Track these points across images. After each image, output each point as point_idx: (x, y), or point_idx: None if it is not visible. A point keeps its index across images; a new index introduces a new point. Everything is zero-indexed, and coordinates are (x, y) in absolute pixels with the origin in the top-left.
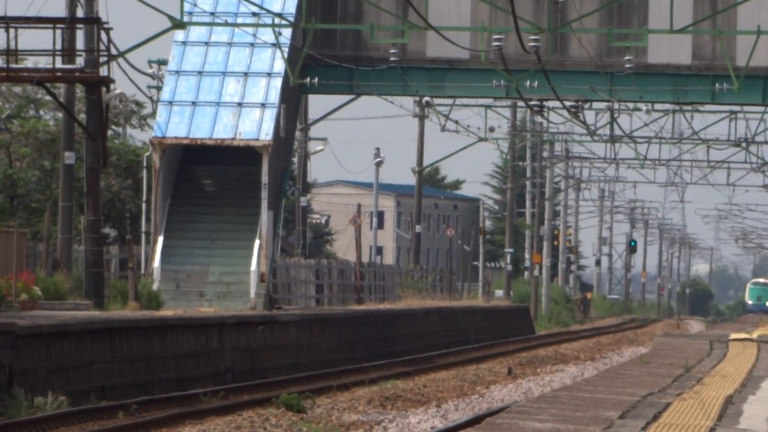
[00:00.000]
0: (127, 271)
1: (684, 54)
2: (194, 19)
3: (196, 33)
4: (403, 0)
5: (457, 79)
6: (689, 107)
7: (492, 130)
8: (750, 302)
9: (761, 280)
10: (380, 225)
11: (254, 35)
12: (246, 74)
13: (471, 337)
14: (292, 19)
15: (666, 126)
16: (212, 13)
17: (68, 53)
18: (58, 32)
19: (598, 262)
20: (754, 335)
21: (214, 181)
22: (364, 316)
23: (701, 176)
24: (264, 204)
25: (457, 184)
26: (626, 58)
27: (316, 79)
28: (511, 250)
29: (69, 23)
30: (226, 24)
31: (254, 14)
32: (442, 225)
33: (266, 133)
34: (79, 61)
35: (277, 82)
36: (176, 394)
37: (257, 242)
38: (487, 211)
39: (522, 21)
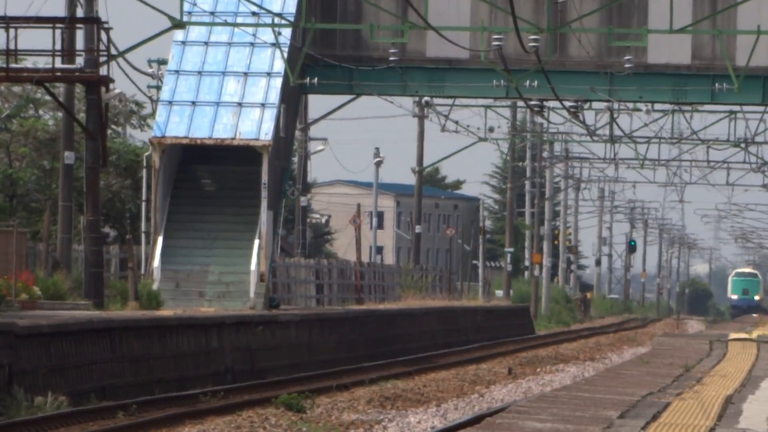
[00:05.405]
0: (127, 271)
1: (684, 54)
2: (194, 18)
3: (196, 33)
4: (403, 0)
5: (456, 79)
6: (689, 107)
7: (492, 130)
8: (734, 297)
9: (746, 270)
10: (380, 225)
11: (254, 35)
12: (246, 74)
13: (471, 337)
14: (291, 19)
15: (666, 126)
16: (212, 13)
17: (68, 53)
18: (58, 32)
19: (597, 262)
20: (754, 335)
21: (214, 181)
22: (364, 315)
23: (701, 176)
24: (264, 204)
25: (457, 184)
26: (626, 58)
27: (316, 79)
28: (511, 249)
29: (69, 23)
30: (225, 24)
31: (254, 14)
32: (442, 225)
33: (266, 133)
34: (79, 61)
35: (277, 82)
36: (176, 394)
37: (257, 242)
38: (487, 210)
39: (522, 21)
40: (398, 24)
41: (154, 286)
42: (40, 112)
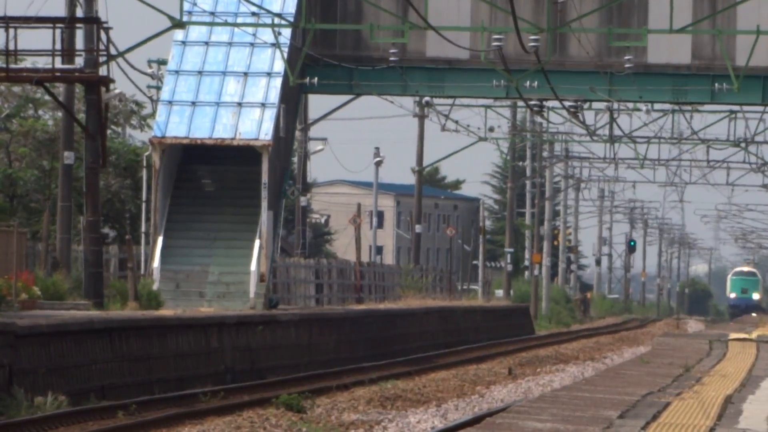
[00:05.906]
0: (127, 271)
1: (683, 54)
2: (194, 18)
3: (196, 33)
4: (403, 0)
5: (456, 79)
6: (689, 107)
7: (492, 129)
8: (733, 295)
9: (745, 268)
10: (380, 225)
11: (254, 35)
12: (246, 74)
13: (471, 337)
14: (291, 19)
15: (665, 126)
16: (212, 13)
17: (68, 53)
18: (58, 32)
19: (598, 262)
20: (754, 335)
21: (214, 181)
22: (364, 315)
23: (701, 176)
24: (264, 204)
25: (457, 183)
26: (626, 57)
27: (316, 78)
28: (511, 249)
29: (68, 23)
30: (225, 24)
31: (254, 14)
32: (442, 225)
33: (266, 133)
34: (79, 61)
35: (277, 82)
36: (176, 393)
37: (257, 242)
38: (487, 210)
39: (522, 21)
40: (398, 24)
41: (154, 287)
42: (40, 112)
